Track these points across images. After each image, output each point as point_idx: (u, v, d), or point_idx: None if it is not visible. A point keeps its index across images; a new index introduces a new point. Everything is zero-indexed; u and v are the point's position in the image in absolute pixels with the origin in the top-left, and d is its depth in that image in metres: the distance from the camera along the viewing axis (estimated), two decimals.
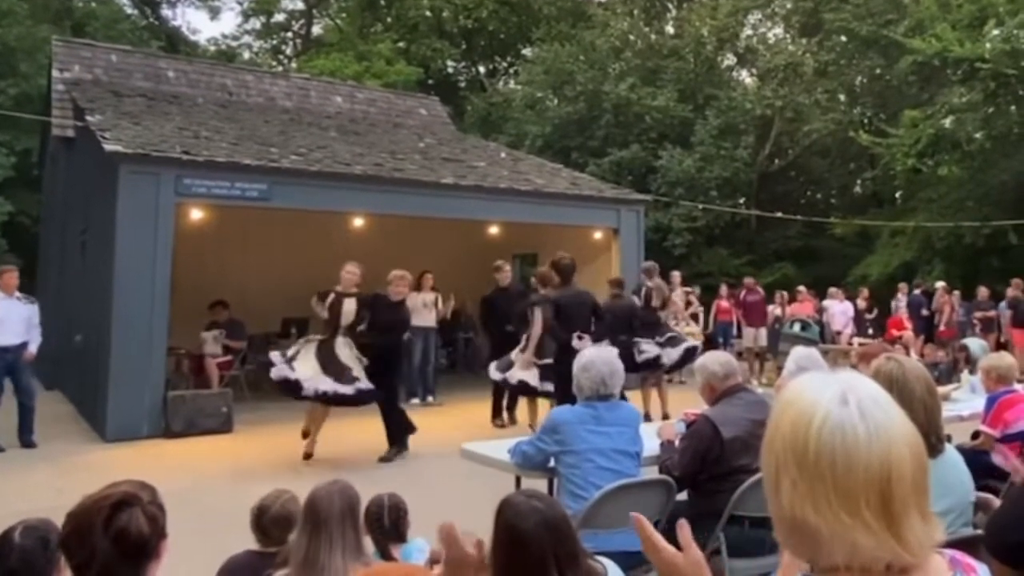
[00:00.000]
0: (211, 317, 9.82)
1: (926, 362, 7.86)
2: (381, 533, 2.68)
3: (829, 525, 0.84)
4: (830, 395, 0.88)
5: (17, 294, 7.48)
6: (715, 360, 3.48)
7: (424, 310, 9.80)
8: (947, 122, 15.82)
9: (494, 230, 11.73)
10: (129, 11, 25.74)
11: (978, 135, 15.33)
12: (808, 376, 0.93)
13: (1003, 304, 12.61)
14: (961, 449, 3.12)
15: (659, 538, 1.12)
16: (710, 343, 13.76)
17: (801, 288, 13.40)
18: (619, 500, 3.04)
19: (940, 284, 13.59)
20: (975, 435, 4.48)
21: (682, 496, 3.32)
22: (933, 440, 2.31)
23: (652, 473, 3.46)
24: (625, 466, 3.24)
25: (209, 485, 5.99)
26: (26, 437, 7.40)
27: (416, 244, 11.33)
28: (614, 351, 3.67)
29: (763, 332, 12.59)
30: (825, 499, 0.84)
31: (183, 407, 7.92)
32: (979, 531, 2.48)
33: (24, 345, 7.38)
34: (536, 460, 3.44)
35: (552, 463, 3.38)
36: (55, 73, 12.16)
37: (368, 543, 2.54)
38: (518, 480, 3.89)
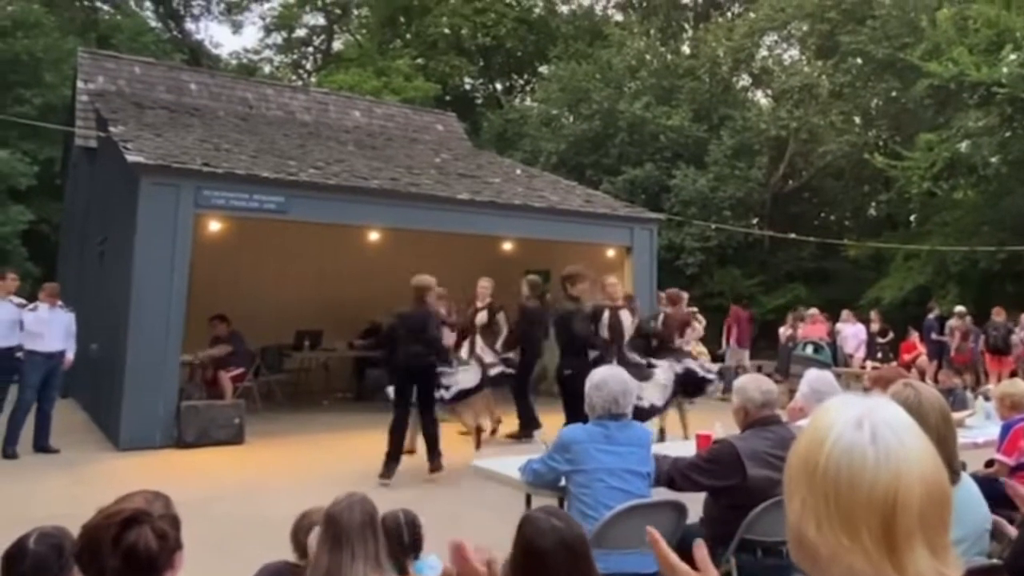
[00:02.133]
0: (212, 332, 9.58)
1: (941, 388, 7.80)
2: (400, 549, 2.69)
3: (828, 545, 0.84)
4: (847, 417, 0.88)
5: (59, 303, 7.74)
6: (757, 386, 3.35)
7: None
8: (963, 146, 15.78)
9: (508, 246, 11.77)
10: (153, 24, 26.20)
11: (994, 159, 15.28)
12: (837, 399, 0.94)
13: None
14: (975, 477, 3.10)
15: (674, 556, 1.12)
16: (722, 364, 13.77)
17: (813, 310, 13.32)
18: (629, 521, 3.03)
19: (959, 308, 13.53)
20: (989, 463, 4.45)
21: (692, 520, 3.31)
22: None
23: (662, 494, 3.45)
24: (636, 486, 3.22)
25: (220, 496, 6.02)
26: (43, 443, 7.50)
27: (430, 259, 11.34)
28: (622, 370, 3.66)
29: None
30: (827, 519, 0.84)
31: (196, 417, 7.95)
32: (995, 560, 2.46)
33: (63, 352, 7.62)
34: (547, 478, 3.44)
35: (563, 482, 3.38)
36: (80, 84, 12.36)
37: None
38: (528, 497, 3.90)
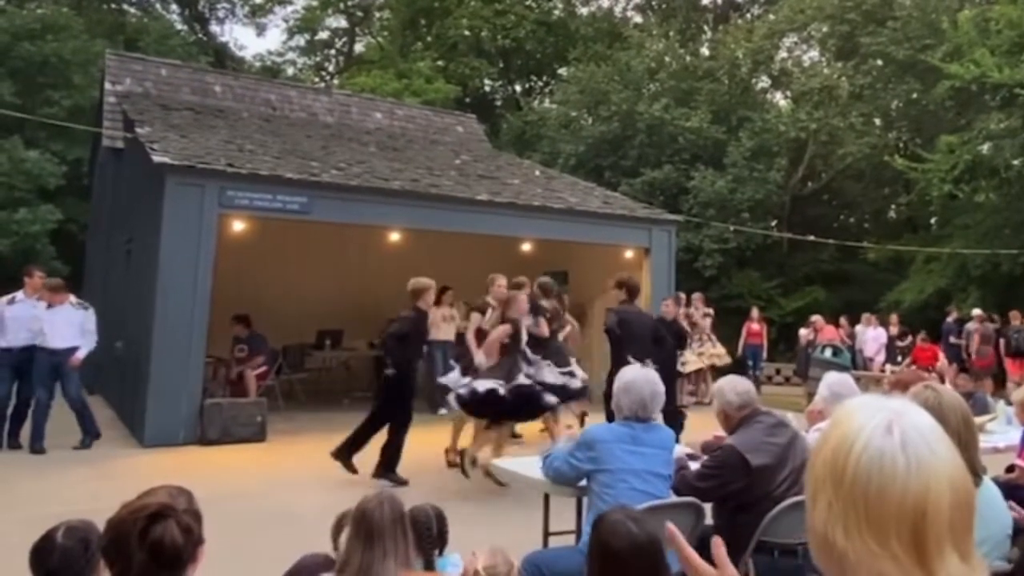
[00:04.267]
0: (233, 332, 9.67)
1: (962, 391, 7.76)
2: (428, 541, 2.75)
3: (856, 551, 0.83)
4: (876, 422, 0.87)
5: (72, 299, 7.76)
6: (732, 388, 3.41)
7: (443, 324, 9.98)
8: (984, 148, 15.64)
9: (526, 247, 11.82)
10: (179, 27, 26.57)
11: (1016, 162, 15.13)
12: (862, 399, 0.93)
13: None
14: (996, 482, 3.11)
15: (693, 553, 1.13)
16: (739, 366, 13.73)
17: (815, 317, 13.12)
18: (650, 521, 3.08)
19: (976, 312, 13.42)
20: (1010, 468, 4.45)
21: (710, 520, 3.35)
22: None
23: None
24: (658, 488, 3.26)
25: (242, 493, 6.11)
26: (87, 440, 7.67)
27: (450, 259, 11.48)
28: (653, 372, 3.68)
29: None
30: (856, 525, 0.83)
31: (219, 415, 8.06)
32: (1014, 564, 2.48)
33: (72, 350, 7.55)
34: (569, 477, 3.46)
35: (584, 481, 3.40)
36: (107, 86, 12.58)
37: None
38: (547, 497, 3.96)
